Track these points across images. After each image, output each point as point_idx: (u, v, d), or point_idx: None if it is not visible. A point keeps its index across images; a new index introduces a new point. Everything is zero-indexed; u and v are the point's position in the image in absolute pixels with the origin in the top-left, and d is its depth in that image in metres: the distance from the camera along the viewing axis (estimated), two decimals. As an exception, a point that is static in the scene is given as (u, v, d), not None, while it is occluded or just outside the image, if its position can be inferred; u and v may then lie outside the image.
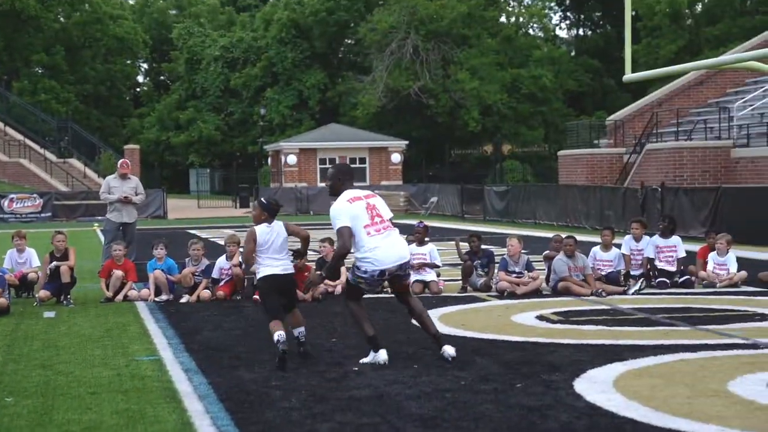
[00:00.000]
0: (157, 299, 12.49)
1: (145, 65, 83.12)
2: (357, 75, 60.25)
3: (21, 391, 7.15)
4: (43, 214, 38.52)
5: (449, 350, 8.11)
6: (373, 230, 8.12)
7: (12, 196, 39.35)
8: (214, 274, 12.82)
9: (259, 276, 8.43)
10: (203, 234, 26.35)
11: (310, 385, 7.27)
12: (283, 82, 63.35)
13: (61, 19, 68.56)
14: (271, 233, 8.41)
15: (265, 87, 63.76)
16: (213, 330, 10.04)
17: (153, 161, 65.09)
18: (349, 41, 66.24)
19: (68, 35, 67.40)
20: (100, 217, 37.45)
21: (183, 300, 12.42)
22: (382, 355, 8.05)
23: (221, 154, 67.92)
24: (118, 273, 12.67)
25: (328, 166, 48.39)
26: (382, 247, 8.10)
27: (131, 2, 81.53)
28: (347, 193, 8.27)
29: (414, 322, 8.66)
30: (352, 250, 8.17)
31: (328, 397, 6.85)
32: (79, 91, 68.19)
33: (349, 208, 8.14)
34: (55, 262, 12.43)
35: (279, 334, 7.90)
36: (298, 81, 63.00)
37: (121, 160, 16.60)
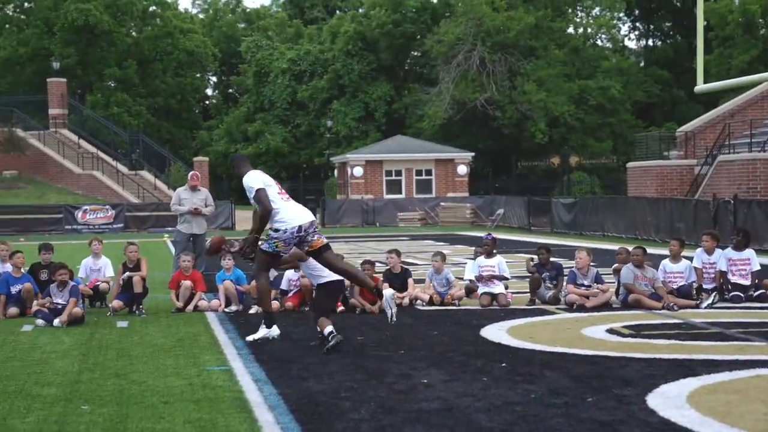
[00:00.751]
0: (226, 310, 12.62)
1: (214, 78, 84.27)
2: (423, 87, 60.29)
3: (96, 399, 7.26)
4: (115, 225, 39.20)
5: (388, 292, 9.72)
6: (285, 196, 9.60)
7: (85, 207, 40.12)
8: (283, 285, 12.91)
9: (320, 281, 9.80)
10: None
11: (379, 396, 7.28)
12: (349, 95, 63.68)
13: (133, 33, 69.85)
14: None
15: (331, 99, 64.16)
16: (282, 341, 10.09)
17: (221, 173, 65.87)
18: (416, 53, 66.35)
19: (140, 49, 68.63)
20: (170, 228, 37.99)
21: (252, 311, 12.52)
22: (275, 331, 9.67)
23: (288, 166, 68.46)
24: (186, 283, 12.82)
25: (394, 178, 48.52)
26: (293, 208, 9.54)
27: (201, 16, 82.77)
28: (256, 171, 9.86)
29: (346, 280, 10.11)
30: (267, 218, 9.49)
31: (397, 409, 6.85)
32: (150, 104, 69.36)
33: (262, 176, 9.72)
34: (127, 273, 12.63)
35: (329, 330, 9.31)
36: (364, 93, 63.29)
37: (191, 172, 16.83)
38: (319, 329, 9.52)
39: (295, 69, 66.37)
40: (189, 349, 9.59)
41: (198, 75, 76.44)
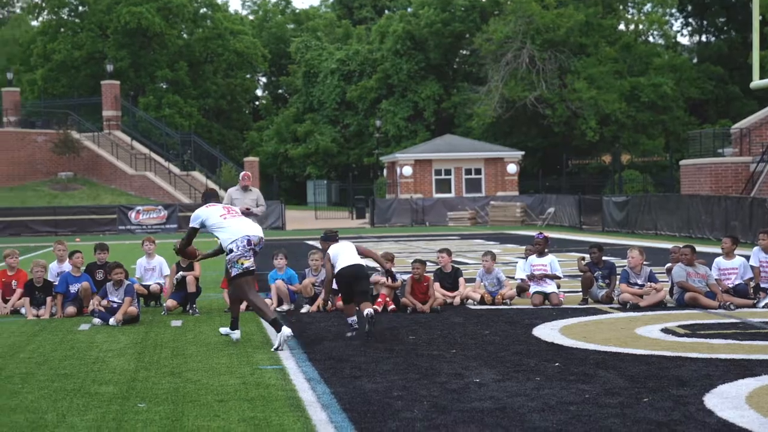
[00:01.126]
0: (278, 309, 12.69)
1: (263, 79, 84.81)
2: (472, 86, 60.12)
3: (153, 397, 7.35)
4: (167, 226, 39.62)
5: (285, 331, 9.55)
6: (227, 215, 10.12)
7: (138, 208, 40.60)
8: (335, 285, 12.93)
9: (337, 269, 10.55)
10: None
11: (431, 396, 7.27)
12: (398, 94, 63.72)
13: (185, 35, 70.53)
14: (338, 248, 10.68)
15: (380, 99, 64.24)
16: (333, 340, 10.14)
17: (271, 173, 66.31)
18: (465, 52, 66.19)
19: (191, 51, 69.29)
20: (221, 228, 38.34)
21: (303, 310, 12.58)
22: (236, 335, 10.08)
23: (338, 166, 68.72)
24: (240, 283, 12.90)
25: (443, 177, 48.44)
26: (236, 224, 10.05)
27: (251, 18, 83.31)
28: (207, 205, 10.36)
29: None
30: (222, 246, 10.13)
31: (450, 409, 6.84)
32: (201, 105, 70.01)
33: (205, 211, 10.17)
34: (181, 272, 12.76)
35: (368, 311, 9.96)
36: (413, 92, 63.28)
37: (242, 173, 16.94)
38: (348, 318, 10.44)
39: (344, 69, 66.55)
40: (242, 348, 9.66)
41: (248, 76, 76.96)
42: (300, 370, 8.39)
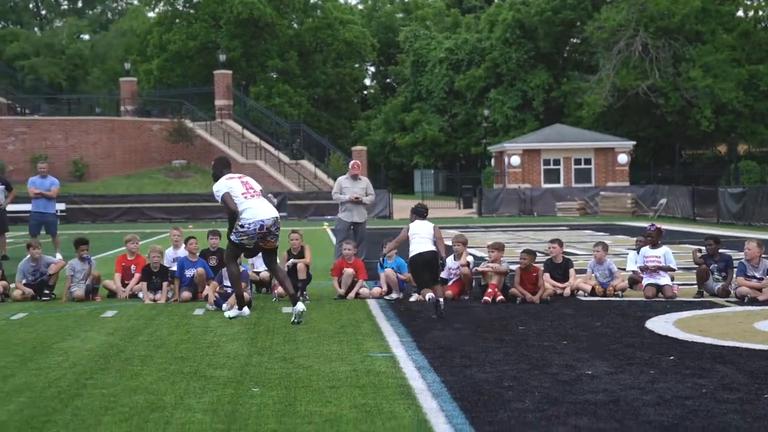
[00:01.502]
0: (387, 297, 12.75)
1: (372, 68, 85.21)
2: (582, 74, 59.20)
3: (266, 382, 7.47)
4: (282, 214, 40.17)
5: (299, 306, 10.46)
6: (248, 195, 10.79)
7: (248, 195, 41.27)
8: (443, 274, 12.93)
9: (411, 253, 11.43)
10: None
11: (543, 387, 7.21)
12: (506, 83, 63.23)
13: (295, 25, 71.36)
14: (419, 227, 11.59)
15: (488, 88, 63.86)
16: (443, 329, 10.14)
17: (379, 162, 66.61)
18: (575, 40, 65.24)
19: (301, 41, 70.07)
20: (329, 217, 38.71)
21: (412, 299, 12.61)
22: (246, 311, 10.85)
23: (445, 155, 68.62)
24: (349, 271, 13.02)
25: (552, 167, 47.89)
26: (256, 207, 10.75)
27: (360, 7, 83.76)
28: (225, 176, 11.02)
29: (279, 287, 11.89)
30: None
31: (562, 401, 6.77)
32: (310, 94, 70.76)
33: (226, 183, 10.85)
34: (292, 260, 12.92)
35: (429, 296, 10.92)
36: (522, 81, 62.71)
37: (352, 162, 17.06)
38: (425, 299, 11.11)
39: (452, 58, 66.35)
40: (352, 336, 9.74)
41: (357, 65, 77.41)
42: (410, 358, 8.42)
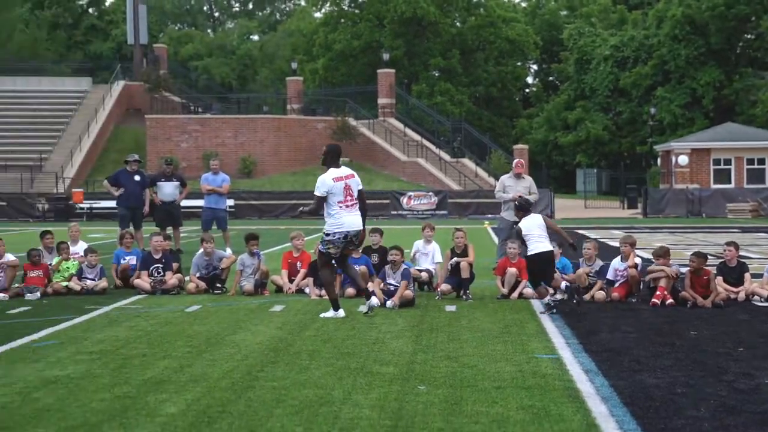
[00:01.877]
0: (553, 298, 12.57)
1: (534, 66, 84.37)
2: (757, 71, 56.90)
3: (431, 380, 7.48)
4: (438, 212, 40.34)
5: (373, 300, 11.00)
6: (344, 205, 11.03)
7: (410, 193, 41.62)
8: (609, 275, 12.67)
9: (527, 253, 11.70)
10: (592, 234, 26.18)
11: (718, 395, 6.94)
12: (675, 81, 61.42)
13: (457, 23, 71.41)
14: (531, 223, 11.71)
15: (655, 86, 62.19)
16: (610, 332, 9.91)
17: (541, 161, 65.90)
18: (750, 36, 62.73)
19: (463, 39, 70.06)
20: (490, 215, 38.56)
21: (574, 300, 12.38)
22: (341, 313, 10.89)
23: (608, 154, 67.26)
24: (512, 270, 12.90)
25: (723, 167, 46.25)
26: (347, 219, 11.03)
27: (524, 5, 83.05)
28: (333, 171, 11.21)
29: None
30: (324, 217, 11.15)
31: (740, 410, 6.49)
32: (472, 92, 70.68)
33: (331, 184, 11.07)
34: (456, 258, 12.91)
35: (548, 299, 11.34)
36: (691, 79, 60.78)
37: (516, 160, 16.92)
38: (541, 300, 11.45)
39: (617, 55, 64.96)
40: (516, 336, 9.65)
41: (519, 63, 76.82)
42: (576, 361, 8.27)
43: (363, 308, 11.21)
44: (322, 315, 11.04)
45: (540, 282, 11.55)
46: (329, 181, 11.09)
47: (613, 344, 9.15)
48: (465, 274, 12.75)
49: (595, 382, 7.41)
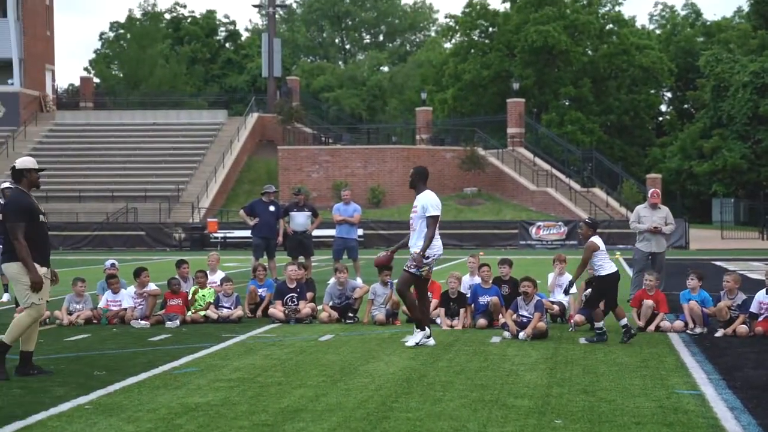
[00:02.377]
0: (690, 332, 12.22)
1: (668, 94, 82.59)
2: None
3: (568, 414, 7.34)
4: (567, 242, 39.79)
5: (417, 336, 10.97)
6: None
7: (539, 223, 41.20)
8: (753, 308, 12.22)
9: (602, 273, 11.36)
10: (730, 266, 25.39)
11: None
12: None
13: (589, 52, 70.64)
14: (603, 246, 11.52)
15: (797, 112, 59.99)
16: (754, 368, 9.55)
17: (674, 190, 64.30)
18: None
19: (595, 67, 69.24)
20: (621, 246, 37.82)
21: (718, 334, 12.01)
22: (428, 332, 10.98)
23: (746, 184, 65.13)
24: (648, 303, 12.62)
25: None
26: (439, 242, 11.18)
27: (658, 32, 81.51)
28: (430, 195, 11.24)
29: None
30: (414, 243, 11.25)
31: None
32: (603, 121, 69.68)
33: (438, 206, 11.16)
34: (589, 289, 12.67)
35: (623, 321, 11.36)
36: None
37: (651, 190, 16.61)
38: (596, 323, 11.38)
39: (757, 82, 62.94)
40: (655, 370, 9.40)
41: (652, 91, 75.35)
42: (720, 398, 7.98)
43: (409, 341, 11.08)
44: (407, 343, 10.99)
45: (599, 303, 11.41)
46: (437, 203, 11.19)
47: (759, 381, 8.81)
48: (603, 307, 12.49)
49: (741, 420, 7.15)
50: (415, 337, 11.02)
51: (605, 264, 11.44)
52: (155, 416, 7.32)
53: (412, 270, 11.02)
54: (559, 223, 41.33)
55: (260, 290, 14.43)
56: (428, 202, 11.01)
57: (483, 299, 12.95)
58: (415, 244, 11.10)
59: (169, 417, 7.29)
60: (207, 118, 59.33)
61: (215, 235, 40.64)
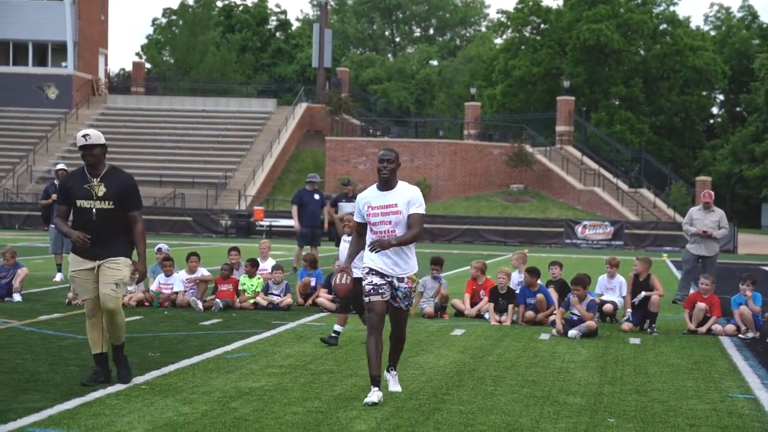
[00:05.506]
0: (742, 336, 12.11)
1: (721, 96, 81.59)
2: None
3: (620, 413, 7.33)
4: (614, 242, 39.50)
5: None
6: None
7: (585, 222, 40.93)
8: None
9: None
10: (782, 272, 25.05)
11: None
12: None
13: (641, 51, 69.98)
14: None
15: None
16: (809, 375, 9.45)
17: (724, 194, 63.58)
18: None
19: (647, 67, 68.60)
20: (668, 248, 37.52)
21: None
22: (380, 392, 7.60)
23: (798, 189, 64.27)
24: (701, 305, 12.51)
25: None
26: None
27: (713, 33, 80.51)
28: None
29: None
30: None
31: None
32: (653, 122, 69.01)
33: None
34: (644, 292, 12.60)
35: None
36: None
37: (704, 191, 16.45)
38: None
39: (812, 86, 62.08)
40: (707, 373, 9.33)
41: (705, 93, 74.49)
42: (775, 404, 7.93)
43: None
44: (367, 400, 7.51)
45: None
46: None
47: (813, 388, 8.72)
48: (654, 309, 12.44)
49: (796, 427, 7.08)
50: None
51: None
52: (210, 398, 7.42)
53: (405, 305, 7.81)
54: (606, 222, 41.03)
55: (311, 279, 14.51)
56: (420, 198, 7.71)
57: (530, 299, 12.89)
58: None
59: (224, 400, 7.37)
60: (256, 106, 59.61)
61: (261, 223, 40.88)
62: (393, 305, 7.72)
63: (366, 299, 7.58)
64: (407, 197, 7.65)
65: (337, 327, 10.51)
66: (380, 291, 7.55)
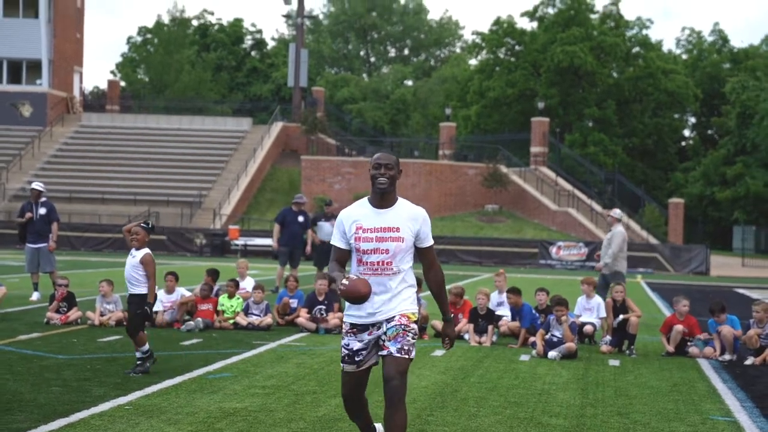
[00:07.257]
0: (720, 358, 12.21)
1: (692, 119, 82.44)
2: None
3: (605, 435, 7.39)
4: (588, 263, 39.69)
5: None
6: None
7: (560, 243, 41.14)
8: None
9: None
10: (754, 294, 25.30)
11: None
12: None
13: (614, 74, 70.61)
14: None
15: (823, 142, 59.74)
16: (786, 397, 9.56)
17: (695, 216, 64.14)
18: None
19: (620, 89, 69.22)
20: (641, 269, 37.79)
21: (748, 362, 12.00)
22: None
23: (768, 212, 64.93)
24: (678, 327, 12.61)
25: None
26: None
27: (684, 57, 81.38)
28: None
29: None
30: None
31: None
32: (626, 144, 69.59)
33: None
34: (621, 315, 12.69)
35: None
36: None
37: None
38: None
39: (783, 110, 62.78)
40: (687, 395, 9.42)
41: (677, 116, 75.23)
42: (755, 426, 8.00)
43: None
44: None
45: None
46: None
47: (791, 410, 8.81)
48: (633, 330, 12.53)
49: (776, 449, 7.16)
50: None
51: None
52: (195, 419, 7.40)
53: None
54: (580, 243, 41.27)
55: (291, 301, 14.51)
56: (428, 222, 6.00)
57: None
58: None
59: (209, 421, 7.36)
60: (231, 125, 59.56)
61: (236, 242, 40.77)
62: (382, 355, 5.81)
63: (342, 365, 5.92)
64: (412, 219, 5.80)
65: None
66: (356, 359, 5.84)
